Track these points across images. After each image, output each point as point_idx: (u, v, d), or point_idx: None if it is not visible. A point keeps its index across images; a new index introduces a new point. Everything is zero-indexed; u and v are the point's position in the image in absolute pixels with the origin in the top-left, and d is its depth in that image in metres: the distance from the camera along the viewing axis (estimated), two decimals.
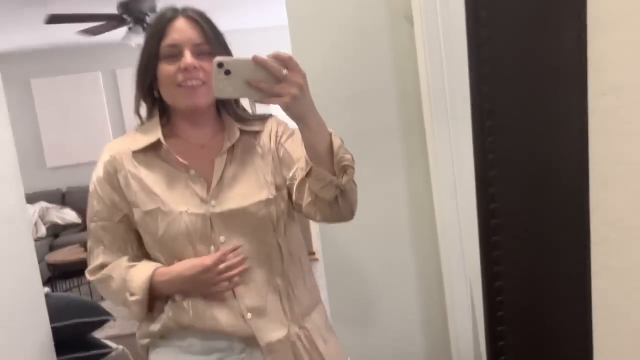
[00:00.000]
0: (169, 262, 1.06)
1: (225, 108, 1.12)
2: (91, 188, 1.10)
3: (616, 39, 0.48)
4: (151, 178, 1.05)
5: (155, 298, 1.07)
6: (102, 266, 1.10)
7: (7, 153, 1.47)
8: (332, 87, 1.68)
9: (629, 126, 0.51)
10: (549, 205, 0.50)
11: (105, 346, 1.88)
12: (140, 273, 1.05)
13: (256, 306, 1.06)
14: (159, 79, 1.05)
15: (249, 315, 1.05)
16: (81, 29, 3.77)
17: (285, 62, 0.87)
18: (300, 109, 0.90)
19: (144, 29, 3.61)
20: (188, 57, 1.01)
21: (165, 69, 1.03)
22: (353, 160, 0.98)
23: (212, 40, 1.04)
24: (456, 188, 1.63)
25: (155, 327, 1.08)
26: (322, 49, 1.65)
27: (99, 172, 1.08)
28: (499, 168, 0.48)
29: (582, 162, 0.47)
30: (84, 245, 4.55)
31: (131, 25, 3.65)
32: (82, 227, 5.42)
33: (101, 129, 5.88)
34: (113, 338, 2.09)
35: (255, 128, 1.12)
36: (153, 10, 3.60)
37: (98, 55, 5.80)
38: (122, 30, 3.97)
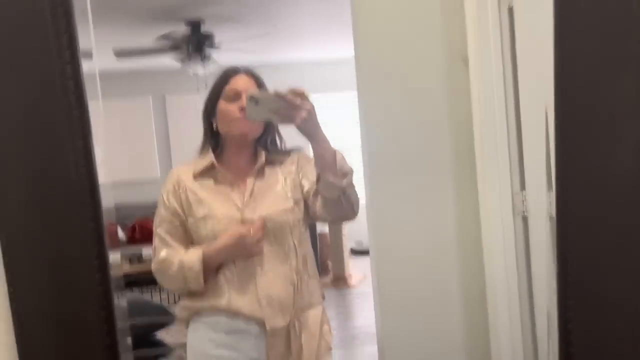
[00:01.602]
0: None
1: (260, 142, 1.44)
2: (160, 199, 1.41)
3: None
4: (205, 193, 1.37)
5: (208, 271, 1.33)
6: (164, 259, 1.38)
7: (103, 165, 1.68)
8: (390, 119, 1.85)
9: None
10: (613, 216, 0.65)
11: (167, 346, 2.03)
12: (194, 251, 1.34)
13: (271, 295, 1.32)
14: (219, 114, 1.38)
15: (264, 302, 1.31)
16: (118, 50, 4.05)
17: (299, 94, 1.18)
18: (310, 129, 1.20)
19: (202, 59, 3.89)
20: (245, 101, 1.32)
21: (227, 107, 1.37)
22: (352, 170, 1.28)
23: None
24: (502, 219, 1.77)
25: (194, 305, 1.36)
26: (385, 83, 1.84)
27: (168, 187, 1.41)
28: (577, 187, 0.63)
29: (637, 178, 0.62)
30: (128, 258, 4.78)
31: (191, 54, 3.93)
32: (124, 242, 5.65)
33: (147, 150, 6.18)
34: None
35: (280, 158, 1.44)
36: (212, 44, 3.89)
37: (149, 81, 6.13)
38: (171, 58, 4.29)
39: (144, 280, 4.71)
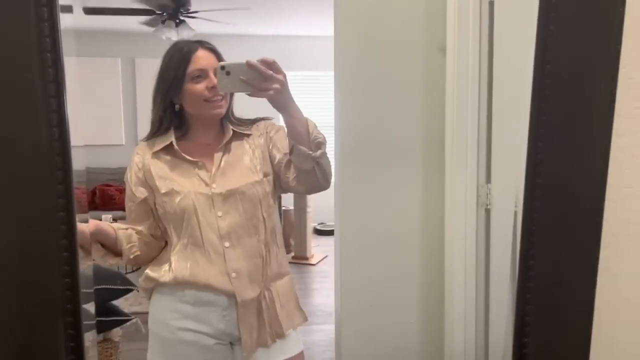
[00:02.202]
0: (178, 230, 1.33)
1: (226, 116, 1.40)
2: (126, 179, 1.39)
3: (634, 97, 0.66)
4: (167, 169, 1.35)
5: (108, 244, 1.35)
6: None
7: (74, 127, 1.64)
8: (365, 102, 1.86)
9: (637, 160, 0.69)
10: (577, 215, 0.67)
11: (124, 314, 2.01)
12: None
13: (240, 268, 1.32)
14: (187, 96, 1.32)
15: (233, 274, 1.31)
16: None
17: (270, 65, 1.15)
18: (282, 100, 1.18)
19: (176, 24, 3.78)
20: (214, 78, 1.28)
21: (194, 88, 1.31)
22: (325, 139, 1.27)
23: None
24: (466, 209, 1.81)
25: (158, 276, 1.34)
26: (362, 66, 1.84)
27: (132, 166, 1.38)
28: (546, 185, 0.65)
29: (602, 181, 0.64)
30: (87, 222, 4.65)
31: (165, 19, 3.82)
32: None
33: (113, 114, 6.01)
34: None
35: (246, 131, 1.40)
36: (187, 8, 3.78)
37: (119, 42, 5.93)
38: (147, 20, 4.15)
39: None
